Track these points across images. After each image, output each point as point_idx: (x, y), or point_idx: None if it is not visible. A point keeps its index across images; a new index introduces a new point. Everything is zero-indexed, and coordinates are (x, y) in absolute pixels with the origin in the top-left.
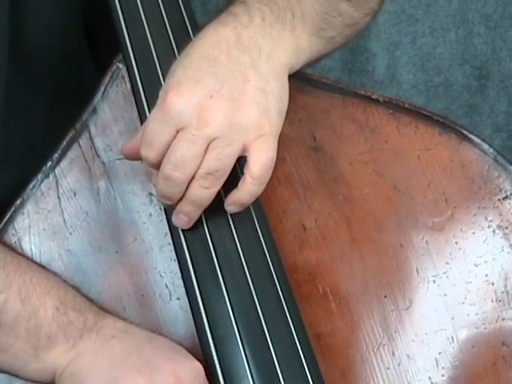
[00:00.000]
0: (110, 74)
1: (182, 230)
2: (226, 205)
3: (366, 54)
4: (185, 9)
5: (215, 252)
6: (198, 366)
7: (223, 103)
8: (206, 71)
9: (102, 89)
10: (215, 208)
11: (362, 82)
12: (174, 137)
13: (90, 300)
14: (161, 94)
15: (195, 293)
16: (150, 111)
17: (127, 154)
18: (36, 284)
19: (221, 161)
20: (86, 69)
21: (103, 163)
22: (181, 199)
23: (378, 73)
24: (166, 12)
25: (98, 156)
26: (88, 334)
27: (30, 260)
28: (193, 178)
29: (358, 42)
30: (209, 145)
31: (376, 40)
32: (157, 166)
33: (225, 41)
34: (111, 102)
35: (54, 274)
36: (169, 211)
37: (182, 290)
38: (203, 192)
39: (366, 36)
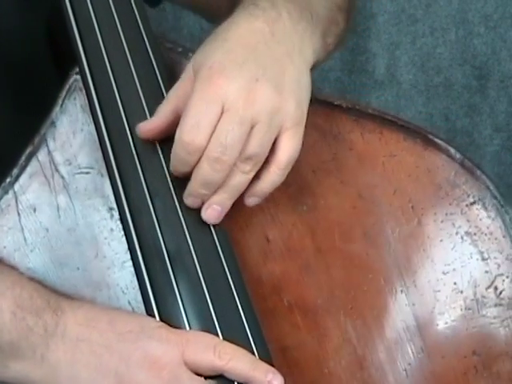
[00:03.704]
0: (67, 86)
1: (140, 246)
2: (246, 197)
3: (366, 54)
4: (142, 21)
5: (171, 264)
6: (163, 336)
7: (268, 88)
8: (248, 57)
9: (60, 102)
10: (174, 224)
11: (362, 81)
12: (219, 119)
13: (46, 287)
14: (201, 74)
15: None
16: (105, 123)
17: (148, 134)
18: None
19: (261, 146)
20: (50, 78)
21: (63, 178)
22: None
23: (378, 73)
24: (120, 23)
25: (58, 171)
26: (53, 340)
27: None
28: None
29: (358, 42)
30: (251, 129)
31: (376, 40)
32: (201, 150)
33: (260, 31)
34: (69, 115)
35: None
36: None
37: None
38: (242, 177)
39: (366, 36)
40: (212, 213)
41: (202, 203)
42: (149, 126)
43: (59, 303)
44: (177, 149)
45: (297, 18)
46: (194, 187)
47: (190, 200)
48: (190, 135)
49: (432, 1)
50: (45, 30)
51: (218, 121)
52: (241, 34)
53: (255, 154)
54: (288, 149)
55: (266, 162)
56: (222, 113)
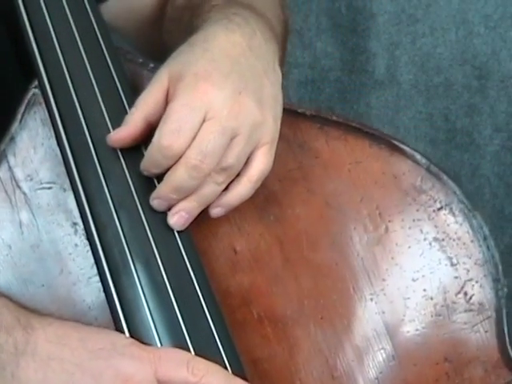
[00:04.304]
0: (26, 101)
1: (107, 261)
2: (211, 207)
3: (365, 54)
4: (101, 33)
5: (139, 278)
6: (135, 354)
7: (250, 101)
8: (232, 68)
9: (19, 117)
10: (140, 236)
11: (362, 81)
12: (200, 126)
13: (15, 302)
14: (185, 81)
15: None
16: (67, 137)
17: (120, 143)
18: None
19: (238, 158)
20: (14, 76)
21: (24, 194)
22: None
23: (378, 73)
24: (79, 36)
25: (19, 187)
26: (23, 358)
27: None
28: None
29: (358, 42)
30: (231, 140)
31: (376, 40)
32: (178, 156)
33: (238, 44)
34: (29, 130)
35: None
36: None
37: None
38: (214, 188)
39: (366, 36)
40: (179, 220)
41: (167, 208)
42: (119, 135)
43: (29, 320)
44: (153, 151)
45: (268, 37)
46: (164, 190)
47: (156, 202)
48: (169, 139)
49: (432, 1)
50: (5, 27)
51: (199, 128)
52: (222, 46)
53: (231, 165)
54: (261, 163)
55: (238, 174)
56: (204, 120)
